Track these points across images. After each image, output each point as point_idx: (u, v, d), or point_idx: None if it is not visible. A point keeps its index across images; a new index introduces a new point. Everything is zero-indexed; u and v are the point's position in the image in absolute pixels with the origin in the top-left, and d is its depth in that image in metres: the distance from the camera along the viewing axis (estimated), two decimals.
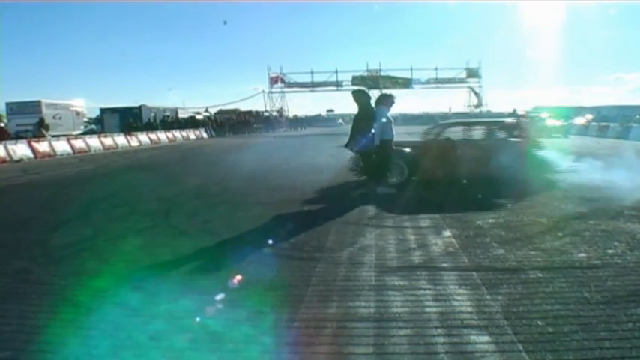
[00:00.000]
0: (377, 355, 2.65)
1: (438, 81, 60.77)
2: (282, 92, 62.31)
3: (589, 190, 7.57)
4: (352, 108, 9.05)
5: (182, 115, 45.73)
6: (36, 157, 18.68)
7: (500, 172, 8.27)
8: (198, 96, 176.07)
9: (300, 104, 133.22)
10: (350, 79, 59.67)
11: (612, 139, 22.37)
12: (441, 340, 2.79)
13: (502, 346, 2.69)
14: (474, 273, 3.91)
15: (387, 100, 8.27)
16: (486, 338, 2.79)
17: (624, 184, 7.54)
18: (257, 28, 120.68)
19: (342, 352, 2.69)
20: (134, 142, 26.78)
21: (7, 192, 10.09)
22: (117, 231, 5.84)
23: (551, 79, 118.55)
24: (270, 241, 4.96)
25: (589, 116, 33.57)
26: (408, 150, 8.79)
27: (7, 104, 30.10)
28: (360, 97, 8.34)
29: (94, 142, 23.58)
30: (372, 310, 3.24)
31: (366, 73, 59.45)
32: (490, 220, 5.79)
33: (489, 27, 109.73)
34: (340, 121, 56.03)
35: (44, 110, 28.26)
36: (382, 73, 59.67)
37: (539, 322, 2.95)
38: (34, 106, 28.47)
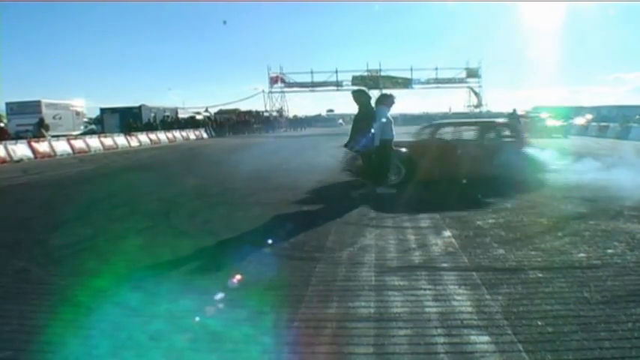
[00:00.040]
0: (377, 356, 2.65)
1: (437, 81, 60.74)
2: (282, 92, 62.31)
3: (589, 190, 7.57)
4: (352, 108, 9.07)
5: (182, 115, 45.78)
6: (36, 157, 18.67)
7: (493, 171, 8.28)
8: (198, 96, 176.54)
9: (300, 104, 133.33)
10: (350, 79, 59.66)
11: (612, 139, 22.41)
12: (441, 340, 2.79)
13: (502, 346, 2.69)
14: (474, 273, 3.91)
15: (387, 100, 8.26)
16: (486, 338, 2.79)
17: (624, 184, 7.53)
18: (257, 28, 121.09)
19: (342, 352, 2.69)
20: (134, 142, 26.78)
21: (7, 192, 10.09)
22: (117, 231, 5.84)
23: (551, 79, 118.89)
24: (270, 241, 4.95)
25: (589, 116, 33.64)
26: (404, 150, 8.79)
27: (7, 104, 30.14)
28: (360, 97, 8.34)
29: (93, 142, 23.56)
30: (372, 311, 3.24)
31: (366, 73, 59.40)
32: (490, 220, 5.79)
33: (489, 27, 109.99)
34: (340, 121, 56.01)
35: (44, 110, 28.29)
36: (382, 73, 59.65)
37: (539, 322, 2.95)
38: (34, 106, 28.50)
